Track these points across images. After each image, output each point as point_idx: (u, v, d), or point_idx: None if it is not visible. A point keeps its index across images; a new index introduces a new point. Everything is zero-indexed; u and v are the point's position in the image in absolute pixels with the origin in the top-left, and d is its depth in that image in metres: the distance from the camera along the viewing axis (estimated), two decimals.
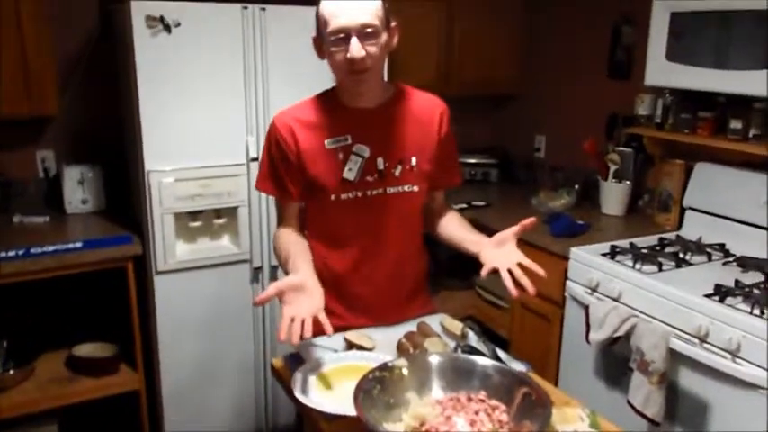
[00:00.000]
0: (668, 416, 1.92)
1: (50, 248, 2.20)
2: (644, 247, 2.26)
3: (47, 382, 2.33)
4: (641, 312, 2.01)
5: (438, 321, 1.61)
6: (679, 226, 2.52)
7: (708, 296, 1.88)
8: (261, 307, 2.52)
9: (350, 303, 1.61)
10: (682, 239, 2.35)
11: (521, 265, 1.35)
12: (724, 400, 1.81)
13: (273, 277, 2.50)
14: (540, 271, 1.34)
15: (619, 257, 2.20)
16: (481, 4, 3.10)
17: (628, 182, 2.71)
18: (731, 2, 2.08)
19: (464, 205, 2.85)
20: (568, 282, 2.30)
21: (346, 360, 1.41)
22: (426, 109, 1.59)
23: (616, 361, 2.11)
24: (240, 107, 2.36)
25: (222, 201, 2.38)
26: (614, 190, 2.72)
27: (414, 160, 1.55)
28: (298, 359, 1.45)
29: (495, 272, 1.38)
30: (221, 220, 2.42)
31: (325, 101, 1.55)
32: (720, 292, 1.88)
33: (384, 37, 1.43)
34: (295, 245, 1.53)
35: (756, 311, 1.77)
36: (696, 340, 1.86)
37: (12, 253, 2.14)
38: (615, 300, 2.10)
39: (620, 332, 1.99)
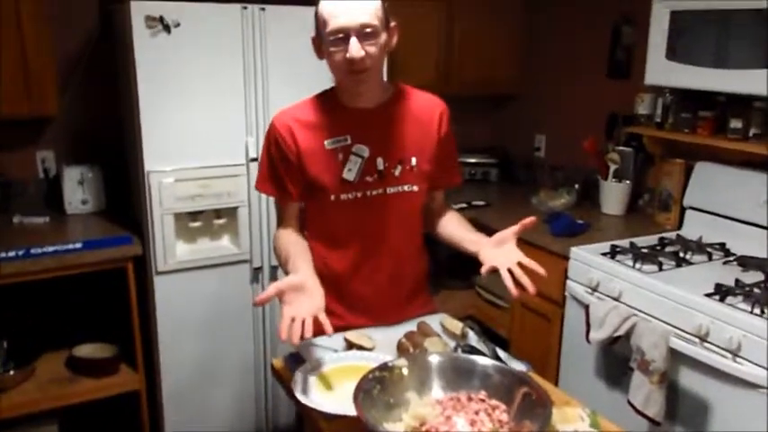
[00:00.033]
0: (669, 415, 1.92)
1: (50, 249, 2.20)
2: (644, 247, 2.26)
3: (47, 382, 2.33)
4: (641, 312, 2.01)
5: (438, 321, 1.61)
6: (679, 225, 2.52)
7: (708, 296, 1.88)
8: (261, 307, 2.52)
9: (350, 303, 1.61)
10: (682, 239, 2.35)
11: (521, 265, 1.35)
12: (724, 400, 1.81)
13: (273, 277, 2.50)
14: (541, 270, 1.34)
15: (619, 257, 2.20)
16: (481, 3, 3.10)
17: (628, 181, 2.71)
18: (731, 1, 2.08)
19: (464, 205, 2.85)
20: (568, 281, 2.30)
21: (346, 360, 1.41)
22: (426, 109, 1.59)
23: (616, 361, 2.11)
24: (240, 107, 2.36)
25: (222, 201, 2.38)
26: (614, 189, 2.72)
27: (413, 160, 1.55)
28: (298, 359, 1.45)
29: (494, 271, 1.37)
30: (221, 221, 2.42)
31: (325, 101, 1.55)
32: (721, 292, 1.88)
33: (383, 37, 1.43)
34: (295, 245, 1.53)
35: (757, 311, 1.77)
36: (696, 340, 1.86)
37: (12, 253, 2.14)
38: (615, 299, 2.10)
39: (621, 332, 1.99)
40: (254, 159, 2.32)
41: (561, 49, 3.14)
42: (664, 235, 2.42)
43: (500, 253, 1.41)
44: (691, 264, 2.16)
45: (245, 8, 2.29)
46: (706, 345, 1.84)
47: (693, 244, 2.28)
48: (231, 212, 2.42)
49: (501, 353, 1.46)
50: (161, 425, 2.48)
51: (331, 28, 1.39)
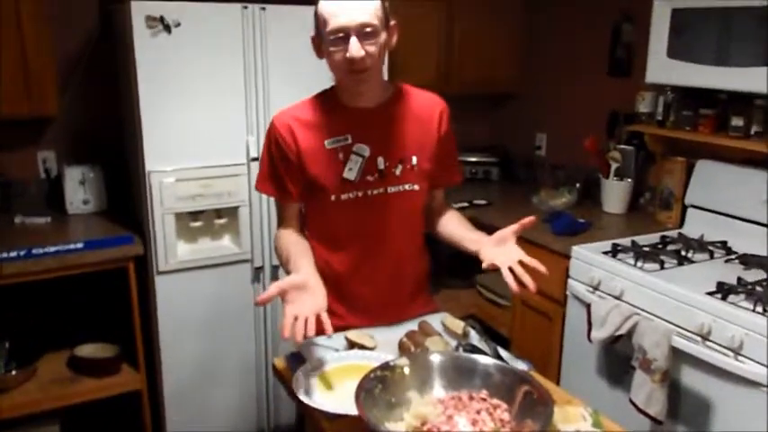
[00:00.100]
0: (671, 414, 1.91)
1: (52, 249, 2.20)
2: (645, 245, 2.25)
3: (49, 382, 2.33)
4: (643, 310, 2.01)
5: (439, 320, 1.60)
6: (681, 224, 2.52)
7: (710, 294, 1.87)
8: (262, 307, 2.52)
9: (351, 303, 1.61)
10: (683, 237, 2.35)
11: (521, 263, 1.35)
12: (726, 399, 1.81)
13: (275, 277, 2.50)
14: (542, 268, 1.34)
15: (620, 255, 2.19)
16: (481, 3, 3.10)
17: (629, 180, 2.70)
18: None
19: (465, 204, 2.85)
20: (570, 280, 2.30)
21: (348, 359, 1.41)
22: (426, 107, 1.59)
23: (618, 359, 2.11)
24: (240, 107, 2.36)
25: (223, 201, 2.38)
26: (615, 188, 2.71)
27: (414, 159, 1.55)
28: (299, 359, 1.45)
29: (496, 269, 1.37)
30: (222, 220, 2.42)
31: (325, 100, 1.55)
32: (723, 290, 1.88)
33: (383, 36, 1.43)
34: (296, 245, 1.52)
35: (759, 309, 1.77)
36: (698, 338, 1.86)
37: (13, 254, 2.15)
38: (617, 298, 2.10)
39: (622, 330, 1.99)
40: (255, 159, 2.32)
41: (561, 48, 3.14)
42: (665, 233, 2.41)
43: (501, 252, 1.41)
44: (692, 262, 2.16)
45: (246, 8, 2.29)
46: (708, 343, 1.84)
47: (695, 242, 2.28)
48: (232, 212, 2.42)
49: (502, 352, 1.46)
50: (162, 425, 2.48)
51: (331, 27, 1.39)
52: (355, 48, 1.37)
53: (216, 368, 2.51)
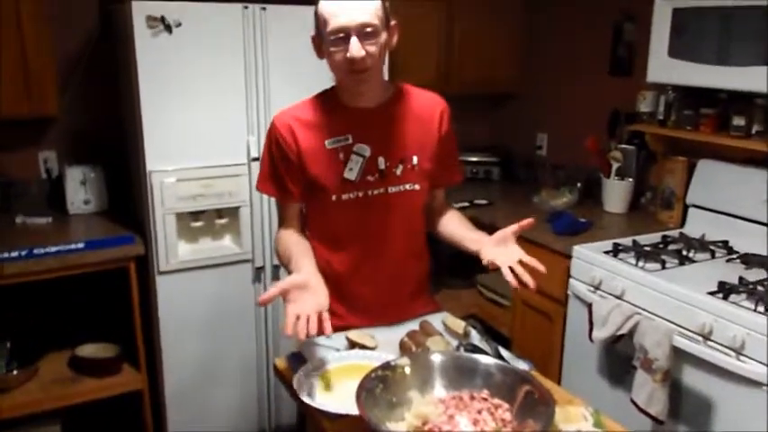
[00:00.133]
0: (672, 414, 1.91)
1: (53, 249, 2.20)
2: (647, 245, 2.25)
3: (50, 382, 2.34)
4: (644, 310, 2.01)
5: (440, 320, 1.60)
6: (682, 223, 2.52)
7: (711, 294, 1.87)
8: (263, 307, 2.52)
9: (352, 303, 1.60)
10: (685, 237, 2.34)
11: (521, 262, 1.36)
12: (728, 398, 1.80)
13: (275, 277, 2.50)
14: (541, 267, 1.35)
15: (621, 255, 2.19)
16: (481, 3, 3.10)
17: (630, 179, 2.70)
18: None
19: (466, 204, 2.85)
20: (571, 280, 2.30)
21: (349, 359, 1.41)
22: (427, 107, 1.58)
23: (619, 359, 2.11)
24: (241, 107, 2.36)
25: (224, 201, 2.38)
26: (617, 187, 2.71)
27: (415, 159, 1.55)
28: (300, 359, 1.45)
29: (496, 269, 1.38)
30: (223, 220, 2.42)
31: (325, 100, 1.55)
32: (724, 290, 1.88)
33: (384, 36, 1.43)
34: (297, 245, 1.52)
35: (760, 309, 1.77)
36: (700, 338, 1.86)
37: (15, 254, 2.15)
38: (618, 298, 2.10)
39: (624, 330, 1.99)
40: (256, 159, 2.31)
41: (562, 48, 3.14)
42: (666, 233, 2.41)
43: (501, 251, 1.41)
44: (694, 262, 2.16)
45: (246, 8, 2.29)
46: (709, 343, 1.83)
47: (696, 242, 2.28)
48: (233, 212, 2.42)
49: (503, 352, 1.46)
50: (163, 425, 2.48)
51: (331, 27, 1.39)
52: (356, 48, 1.37)
53: (217, 368, 2.51)
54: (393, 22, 1.47)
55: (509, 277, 1.34)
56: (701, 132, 2.33)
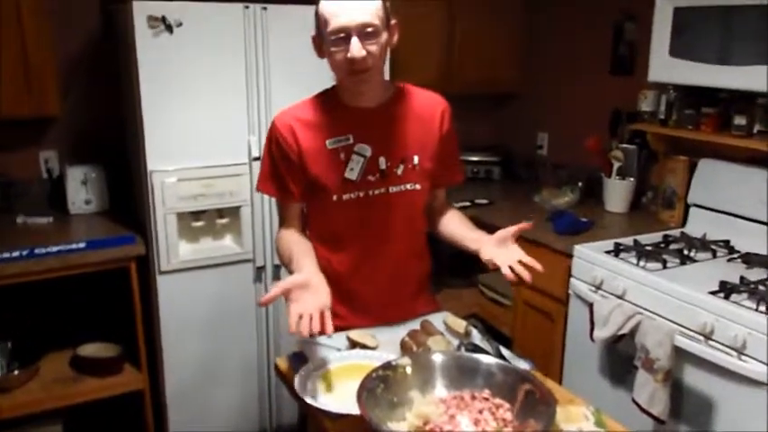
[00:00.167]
0: (673, 414, 1.91)
1: (54, 249, 2.20)
2: (648, 245, 2.25)
3: (51, 382, 2.34)
4: (646, 310, 2.00)
5: (441, 320, 1.60)
6: (683, 223, 2.51)
7: (713, 293, 1.87)
8: (264, 307, 2.52)
9: (353, 303, 1.60)
10: (686, 236, 2.34)
11: (520, 262, 1.37)
12: (729, 398, 1.80)
13: (276, 277, 2.50)
14: (538, 266, 1.36)
15: (623, 255, 2.19)
16: (482, 3, 3.10)
17: (631, 179, 2.70)
18: None
19: (467, 203, 2.85)
20: (572, 279, 2.29)
21: (350, 359, 1.41)
22: (428, 107, 1.58)
23: (620, 359, 2.10)
24: (242, 106, 2.36)
25: (225, 200, 2.38)
26: (618, 187, 2.71)
27: (416, 159, 1.55)
28: (301, 358, 1.45)
29: (496, 268, 1.39)
30: (224, 220, 2.42)
31: (326, 100, 1.54)
32: (725, 289, 1.87)
33: (384, 36, 1.43)
34: (298, 245, 1.52)
35: (762, 308, 1.76)
36: (701, 338, 1.85)
37: (16, 254, 2.15)
38: (619, 297, 2.09)
39: (625, 330, 1.99)
40: (257, 158, 2.31)
41: (563, 47, 3.13)
42: (668, 232, 2.41)
43: (501, 251, 1.42)
44: (695, 261, 2.15)
45: (247, 7, 2.29)
46: (711, 343, 1.83)
47: (697, 241, 2.28)
48: (234, 212, 2.42)
49: (504, 351, 1.46)
50: (165, 424, 2.48)
51: (332, 27, 1.38)
52: (356, 48, 1.37)
53: (218, 368, 2.51)
54: (393, 22, 1.47)
55: (508, 274, 1.36)
56: (703, 132, 2.32)
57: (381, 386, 1.19)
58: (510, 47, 3.24)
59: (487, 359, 1.29)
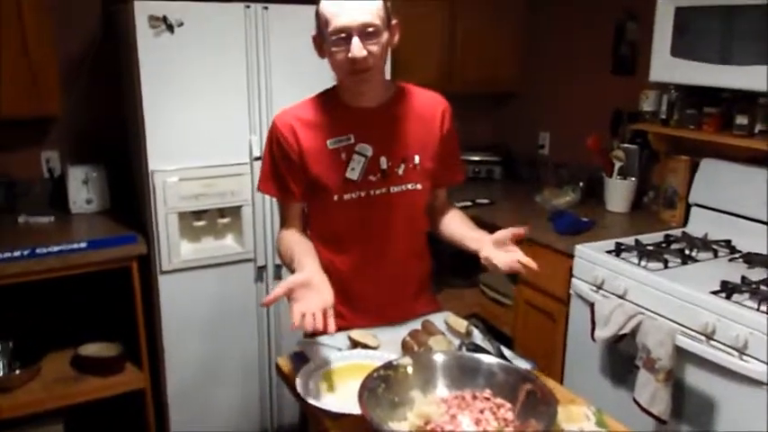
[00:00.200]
0: (675, 414, 1.91)
1: (55, 249, 2.20)
2: (649, 244, 2.25)
3: (52, 381, 2.34)
4: (647, 310, 2.00)
5: (442, 319, 1.60)
6: (685, 222, 2.51)
7: (714, 293, 1.87)
8: (267, 307, 2.52)
9: (354, 304, 1.60)
10: (687, 236, 2.34)
11: (519, 262, 1.38)
12: (731, 398, 1.80)
13: (278, 276, 2.50)
14: (533, 265, 1.37)
15: (624, 254, 2.19)
16: (483, 3, 3.10)
17: (633, 178, 2.70)
18: None
19: (468, 203, 2.84)
20: (573, 279, 2.29)
21: (351, 359, 1.41)
22: (428, 106, 1.58)
23: (622, 359, 2.10)
24: (243, 106, 2.36)
25: (226, 200, 2.38)
26: (619, 187, 2.71)
27: (417, 158, 1.55)
28: (302, 358, 1.45)
29: (494, 268, 1.41)
30: (225, 220, 2.43)
31: (326, 100, 1.54)
32: (727, 289, 1.87)
33: (385, 36, 1.43)
34: (299, 244, 1.52)
35: (763, 308, 1.76)
36: (703, 337, 1.85)
37: (17, 253, 2.15)
38: (621, 297, 2.09)
39: (626, 330, 1.99)
40: (258, 158, 2.31)
41: (564, 47, 3.13)
42: (669, 232, 2.40)
43: (499, 252, 1.42)
44: (696, 261, 2.15)
45: (248, 7, 2.29)
46: (712, 342, 1.83)
47: (699, 241, 2.27)
48: (235, 211, 2.42)
49: (506, 351, 1.46)
50: (166, 424, 2.48)
51: (333, 27, 1.38)
52: (357, 48, 1.37)
53: (219, 367, 2.51)
54: (394, 21, 1.47)
55: (505, 268, 1.38)
56: (704, 131, 2.32)
57: (382, 386, 1.19)
58: (512, 46, 3.24)
59: (489, 359, 1.29)
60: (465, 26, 3.07)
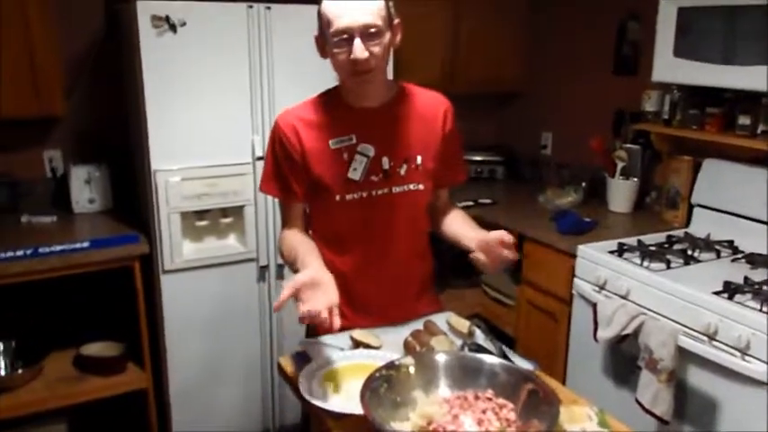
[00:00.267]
0: (677, 414, 1.91)
1: (58, 248, 2.21)
2: (652, 245, 2.24)
3: (55, 381, 2.34)
4: (649, 310, 2.00)
5: (444, 319, 1.60)
6: (687, 223, 2.51)
7: (717, 293, 1.87)
8: (267, 306, 2.52)
9: (355, 304, 1.60)
10: (690, 236, 2.34)
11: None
12: (733, 398, 1.80)
13: (280, 276, 2.51)
14: (513, 256, 1.38)
15: (626, 255, 2.18)
16: (487, 2, 3.10)
17: (635, 179, 2.69)
18: None
19: (470, 203, 2.84)
20: (576, 279, 2.29)
21: (353, 359, 1.41)
22: (430, 107, 1.58)
23: (624, 359, 2.10)
24: (246, 106, 2.36)
25: (228, 200, 2.38)
26: (621, 187, 2.70)
27: (419, 159, 1.55)
28: (304, 358, 1.45)
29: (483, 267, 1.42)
30: (228, 219, 2.43)
31: (329, 100, 1.54)
32: (729, 290, 1.87)
33: (387, 36, 1.43)
34: (302, 244, 1.52)
35: (766, 309, 1.76)
36: (705, 338, 1.85)
37: (20, 253, 2.15)
38: (623, 297, 2.09)
39: (629, 330, 1.98)
40: (261, 158, 2.32)
41: (567, 47, 3.13)
42: (671, 233, 2.40)
43: (488, 253, 1.41)
44: (699, 261, 2.15)
45: (251, 7, 2.29)
46: (714, 343, 1.83)
47: (701, 241, 2.27)
48: (237, 211, 2.43)
49: (508, 351, 1.46)
50: (168, 423, 2.49)
51: (335, 28, 1.38)
52: (359, 49, 1.37)
53: (221, 367, 2.51)
54: (396, 22, 1.47)
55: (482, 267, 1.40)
56: (707, 132, 2.32)
57: (385, 386, 1.19)
58: (514, 46, 3.24)
59: (491, 359, 1.29)
60: (468, 26, 3.07)
